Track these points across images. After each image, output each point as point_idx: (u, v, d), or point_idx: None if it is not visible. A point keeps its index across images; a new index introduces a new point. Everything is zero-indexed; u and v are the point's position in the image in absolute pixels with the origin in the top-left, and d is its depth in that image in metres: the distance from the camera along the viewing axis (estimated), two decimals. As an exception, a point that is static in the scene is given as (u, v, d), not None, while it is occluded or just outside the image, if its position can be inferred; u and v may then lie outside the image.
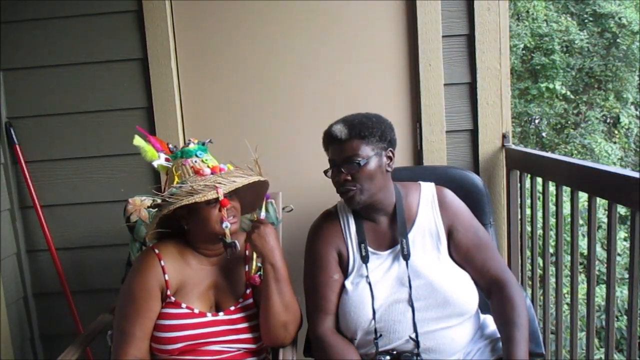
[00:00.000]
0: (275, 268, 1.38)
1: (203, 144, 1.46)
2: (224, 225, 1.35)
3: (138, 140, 1.47)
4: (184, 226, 1.43)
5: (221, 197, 1.32)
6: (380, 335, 1.37)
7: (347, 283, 1.43)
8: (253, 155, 1.43)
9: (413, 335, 1.36)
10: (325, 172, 1.45)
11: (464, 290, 1.39)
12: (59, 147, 2.11)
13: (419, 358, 1.36)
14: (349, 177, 1.38)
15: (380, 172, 1.41)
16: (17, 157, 2.08)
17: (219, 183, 1.33)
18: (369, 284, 1.40)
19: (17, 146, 2.08)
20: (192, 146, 1.42)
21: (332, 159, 1.43)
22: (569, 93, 7.12)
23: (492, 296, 1.40)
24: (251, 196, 1.50)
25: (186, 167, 1.40)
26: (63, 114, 2.09)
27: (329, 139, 1.43)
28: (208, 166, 1.39)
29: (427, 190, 1.52)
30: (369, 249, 1.45)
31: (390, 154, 1.45)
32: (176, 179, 1.39)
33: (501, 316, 1.36)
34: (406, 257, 1.41)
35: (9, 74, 2.08)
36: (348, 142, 1.39)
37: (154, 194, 1.42)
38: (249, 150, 2.04)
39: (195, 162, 1.39)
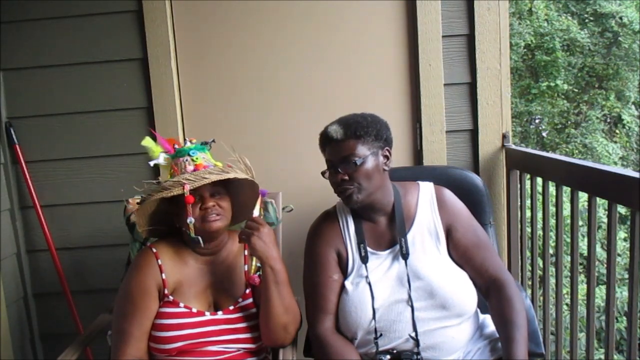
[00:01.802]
0: (275, 271, 1.37)
1: (205, 144, 1.47)
2: (187, 220, 1.36)
3: (147, 141, 1.48)
4: (177, 224, 1.44)
5: (186, 194, 1.32)
6: (381, 335, 1.37)
7: (347, 283, 1.44)
8: (233, 154, 1.42)
9: (413, 334, 1.36)
10: (323, 173, 1.45)
11: (463, 291, 1.39)
12: (59, 147, 2.11)
13: (418, 357, 1.36)
14: (346, 177, 1.38)
15: (378, 171, 1.41)
16: (17, 157, 2.08)
17: (187, 179, 1.33)
18: (369, 283, 1.40)
19: (17, 146, 2.08)
20: (188, 145, 1.43)
21: (329, 160, 1.43)
22: (570, 90, 7.12)
23: (491, 296, 1.40)
24: (248, 195, 1.49)
25: (177, 165, 1.42)
26: (63, 114, 2.09)
27: (325, 140, 1.43)
28: (196, 164, 1.40)
29: (426, 189, 1.52)
30: (368, 249, 1.45)
31: (387, 153, 1.45)
32: (168, 177, 1.41)
33: (500, 316, 1.36)
34: (405, 257, 1.41)
35: (9, 74, 2.08)
36: (344, 142, 1.39)
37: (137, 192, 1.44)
38: (248, 150, 2.04)
39: (186, 160, 1.40)
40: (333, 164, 1.41)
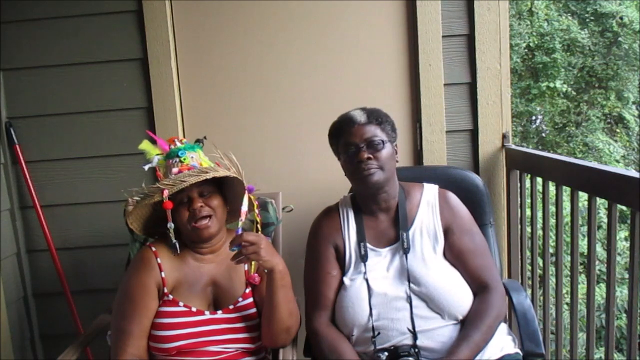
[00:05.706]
0: (283, 274, 1.36)
1: (198, 141, 1.47)
2: (168, 226, 1.36)
3: (145, 145, 1.48)
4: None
5: (165, 199, 1.33)
6: (379, 334, 1.37)
7: (345, 279, 1.45)
8: (215, 151, 1.42)
9: (411, 328, 1.36)
10: (340, 156, 1.49)
11: (459, 293, 1.40)
12: (59, 147, 2.10)
13: (416, 350, 1.36)
14: (371, 156, 1.41)
15: (392, 159, 1.47)
16: (17, 157, 2.08)
17: (165, 185, 1.34)
18: (366, 280, 1.41)
19: (17, 146, 2.08)
20: (178, 145, 1.43)
21: (350, 142, 1.45)
22: (570, 91, 7.12)
23: (476, 297, 1.42)
24: (241, 189, 1.48)
25: (163, 168, 1.42)
26: (63, 114, 2.09)
27: (347, 123, 1.47)
28: (181, 166, 1.39)
29: (430, 191, 1.53)
30: (368, 245, 1.46)
31: (396, 148, 1.51)
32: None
33: (472, 316, 1.37)
34: (406, 251, 1.42)
35: (9, 74, 2.08)
36: (367, 125, 1.45)
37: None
38: (248, 150, 2.06)
39: (174, 162, 1.40)
40: (356, 145, 1.43)
